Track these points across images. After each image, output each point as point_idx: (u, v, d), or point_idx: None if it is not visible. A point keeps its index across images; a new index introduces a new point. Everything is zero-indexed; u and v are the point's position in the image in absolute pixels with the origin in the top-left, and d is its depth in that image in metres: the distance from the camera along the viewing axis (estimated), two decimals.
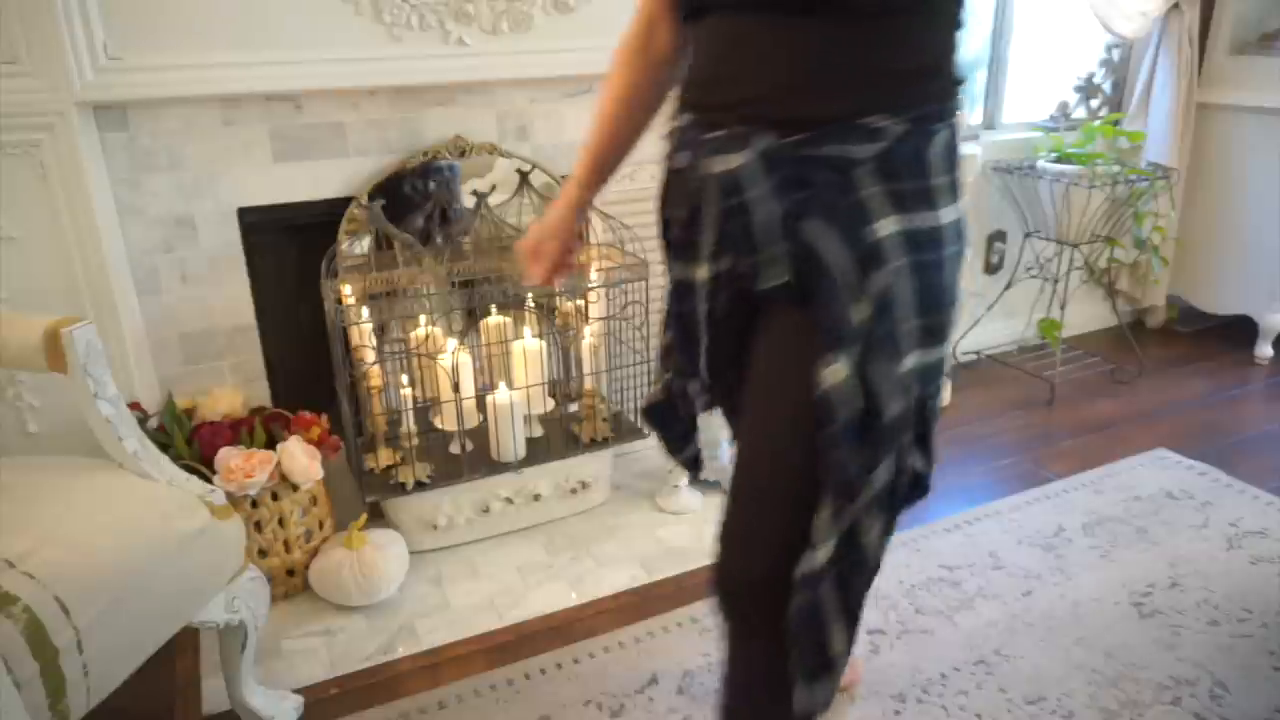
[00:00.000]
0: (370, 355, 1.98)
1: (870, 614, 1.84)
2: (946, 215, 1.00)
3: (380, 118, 2.08)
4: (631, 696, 1.64)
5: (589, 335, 2.17)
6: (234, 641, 1.46)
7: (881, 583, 1.93)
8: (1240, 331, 3.25)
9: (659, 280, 2.42)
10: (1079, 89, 3.24)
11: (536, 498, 2.15)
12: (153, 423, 1.87)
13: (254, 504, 1.82)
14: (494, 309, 2.14)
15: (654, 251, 2.36)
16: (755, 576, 1.04)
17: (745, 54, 0.98)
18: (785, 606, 1.00)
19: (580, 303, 2.22)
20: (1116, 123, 3.12)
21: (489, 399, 2.04)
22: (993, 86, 3.08)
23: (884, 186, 0.97)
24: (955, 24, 0.99)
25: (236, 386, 2.08)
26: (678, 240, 1.12)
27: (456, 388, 1.97)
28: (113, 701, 1.20)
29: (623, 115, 1.23)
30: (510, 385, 2.07)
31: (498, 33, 1.92)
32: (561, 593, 1.95)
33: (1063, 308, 2.96)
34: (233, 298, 2.06)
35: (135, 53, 1.69)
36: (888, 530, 1.05)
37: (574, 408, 2.27)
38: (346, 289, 1.96)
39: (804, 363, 0.98)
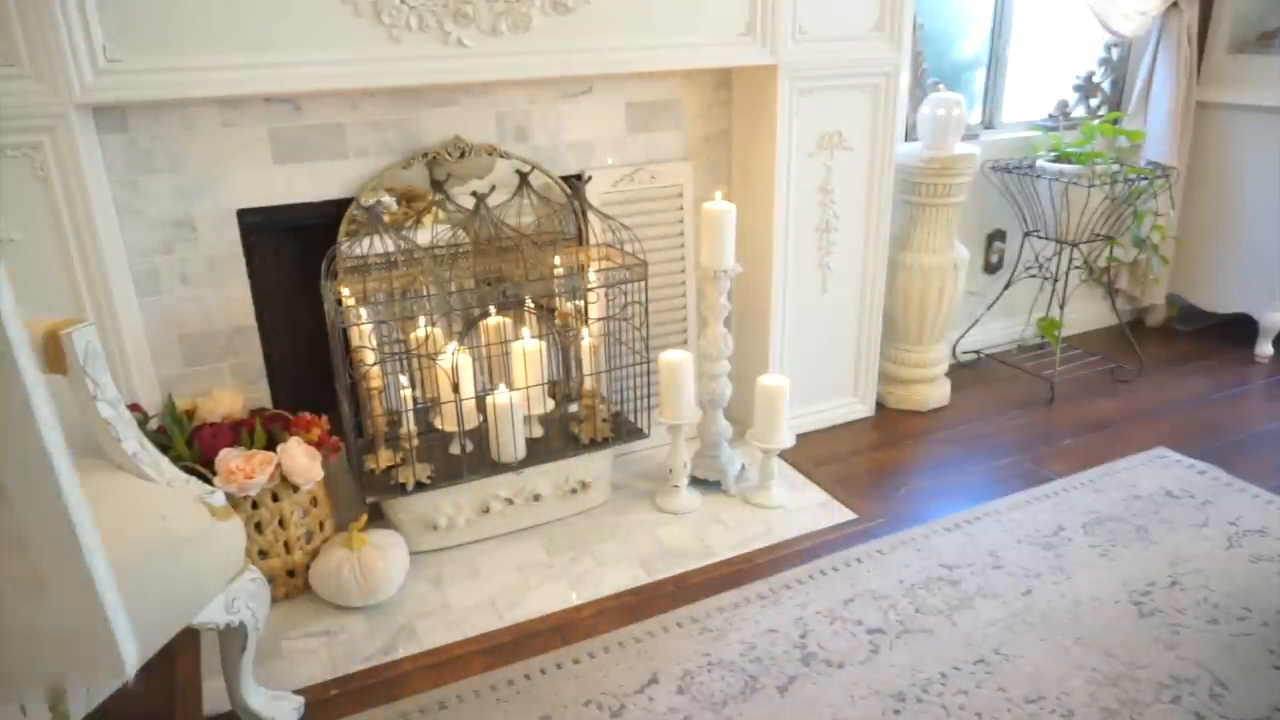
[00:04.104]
0: (370, 356, 1.98)
1: (870, 614, 1.84)
2: None
3: (379, 118, 2.08)
4: (631, 696, 1.64)
5: (589, 335, 2.18)
6: (234, 642, 1.47)
7: (882, 582, 1.94)
8: (1240, 330, 3.25)
9: (659, 280, 2.45)
10: (1078, 88, 3.24)
11: (536, 498, 2.15)
12: (153, 424, 1.87)
13: (254, 505, 1.82)
14: (493, 309, 2.15)
15: (654, 251, 2.39)
16: None
17: None
18: None
19: (580, 303, 2.22)
20: (1116, 121, 3.12)
21: (489, 400, 2.04)
22: (992, 86, 3.08)
23: None
24: None
25: (237, 387, 2.09)
26: None
27: (456, 388, 1.97)
28: (113, 702, 1.21)
29: None
30: (510, 386, 2.08)
31: (496, 34, 1.93)
32: (561, 593, 1.95)
33: (1062, 307, 2.96)
34: (232, 299, 2.07)
35: (135, 55, 1.69)
36: None
37: (574, 408, 2.27)
38: (345, 290, 1.96)
39: None
